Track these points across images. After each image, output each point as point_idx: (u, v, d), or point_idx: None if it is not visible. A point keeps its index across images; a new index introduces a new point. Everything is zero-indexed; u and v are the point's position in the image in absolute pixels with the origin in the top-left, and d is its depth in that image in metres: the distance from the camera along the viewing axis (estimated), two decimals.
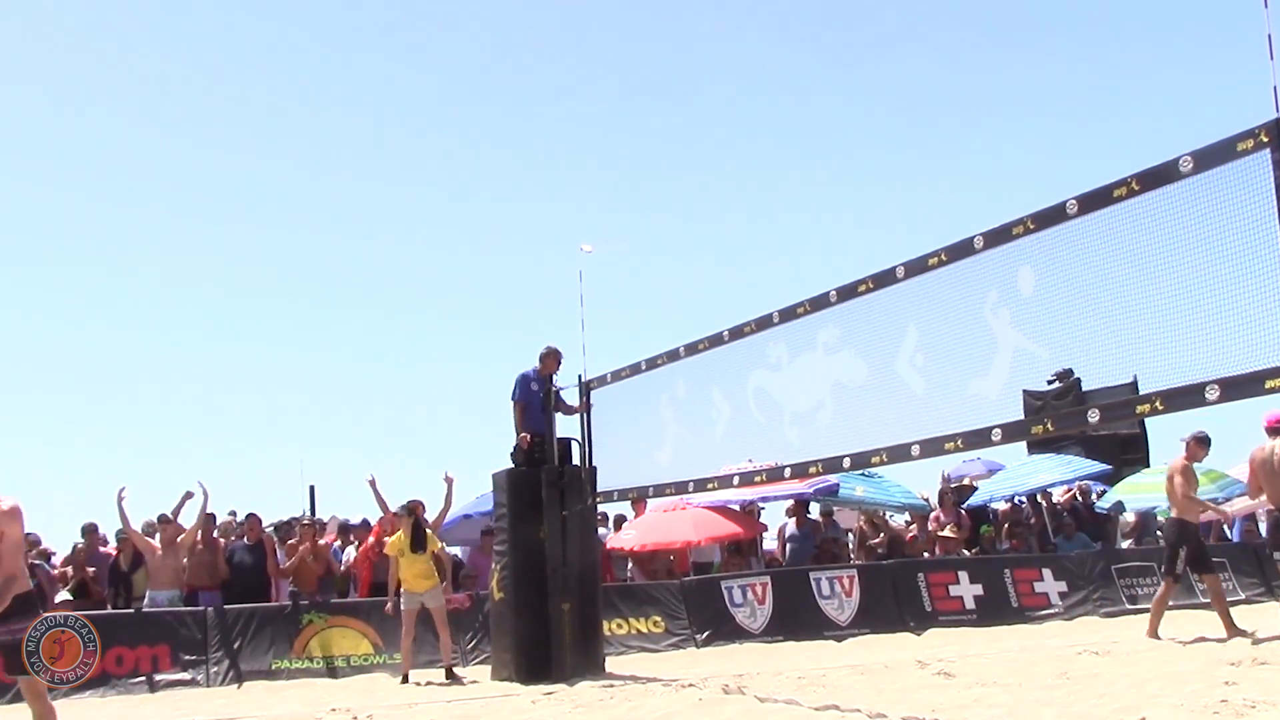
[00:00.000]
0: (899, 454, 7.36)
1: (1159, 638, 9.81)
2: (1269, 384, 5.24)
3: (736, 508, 14.08)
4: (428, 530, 10.78)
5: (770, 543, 15.50)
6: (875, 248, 40.24)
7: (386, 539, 12.08)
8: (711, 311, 41.51)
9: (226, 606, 11.55)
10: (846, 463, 8.01)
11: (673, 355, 9.67)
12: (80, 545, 12.49)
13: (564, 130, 43.40)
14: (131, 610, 11.44)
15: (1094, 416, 6.32)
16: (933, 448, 7.12)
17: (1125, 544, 16.04)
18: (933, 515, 15.05)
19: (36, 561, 11.61)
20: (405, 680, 10.37)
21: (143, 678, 10.75)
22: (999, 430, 6.70)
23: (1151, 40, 43.40)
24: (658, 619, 12.29)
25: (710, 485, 9.73)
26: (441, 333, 42.87)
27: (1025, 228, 6.50)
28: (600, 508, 12.28)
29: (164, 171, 38.86)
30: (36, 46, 36.91)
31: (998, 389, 6.82)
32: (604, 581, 11.80)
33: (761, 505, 14.74)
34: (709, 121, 43.01)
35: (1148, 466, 16.30)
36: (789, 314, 8.36)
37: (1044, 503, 15.70)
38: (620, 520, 14.50)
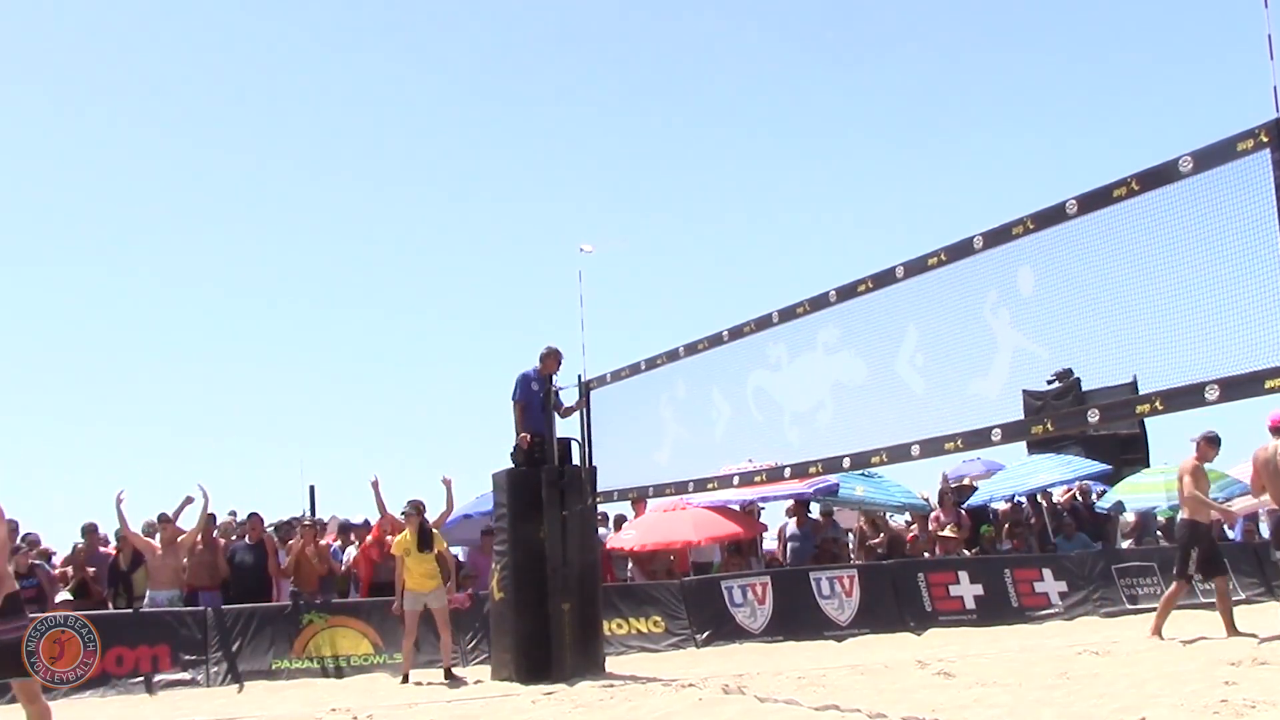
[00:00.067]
0: (899, 454, 7.36)
1: (1162, 637, 9.79)
2: (1269, 384, 5.24)
3: (736, 508, 14.08)
4: (434, 530, 10.80)
5: (770, 543, 15.51)
6: (875, 248, 40.29)
7: (388, 538, 12.11)
8: (711, 311, 41.54)
9: (226, 606, 11.56)
10: (846, 463, 8.01)
11: (673, 355, 9.67)
12: (80, 545, 12.49)
13: (564, 130, 43.44)
14: (132, 610, 11.43)
15: (1094, 416, 6.32)
16: (933, 448, 7.12)
17: (1125, 544, 16.05)
18: (933, 515, 15.05)
19: (36, 561, 11.62)
20: (405, 680, 10.37)
21: (142, 678, 10.75)
22: (999, 430, 6.70)
23: (1151, 40, 43.44)
24: (658, 619, 12.30)
25: (710, 485, 9.74)
26: (441, 333, 42.91)
27: (1025, 228, 6.50)
28: (600, 508, 12.28)
29: (164, 171, 38.90)
30: (36, 46, 36.94)
31: (998, 389, 6.82)
32: (604, 581, 11.80)
33: (761, 505, 14.74)
34: (709, 121, 43.05)
35: (1148, 466, 16.33)
36: (789, 314, 8.36)
37: (1044, 503, 15.70)
38: (620, 520, 14.50)
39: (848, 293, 7.77)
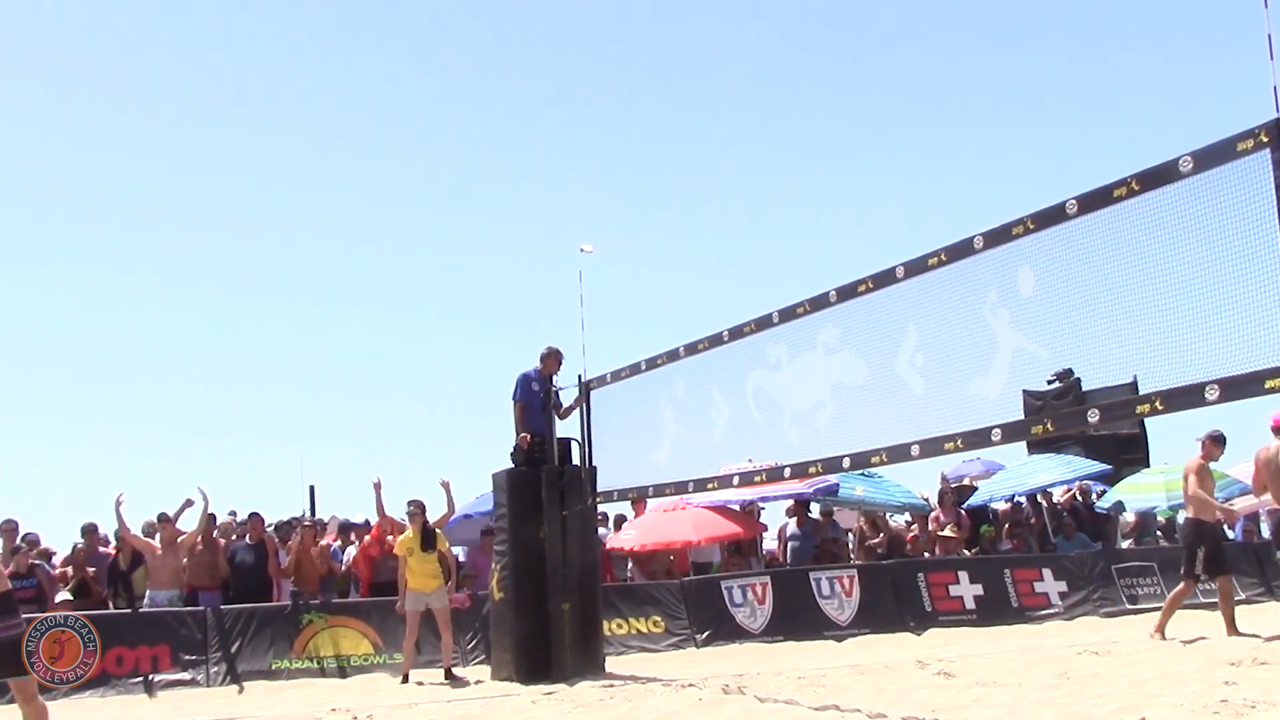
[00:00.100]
0: (899, 454, 7.36)
1: (1164, 637, 9.77)
2: (1269, 384, 5.24)
3: (736, 508, 14.08)
4: (437, 530, 10.81)
5: (770, 543, 15.50)
6: (875, 248, 40.33)
7: (388, 538, 12.11)
8: (711, 311, 41.58)
9: (226, 606, 11.56)
10: (846, 463, 8.01)
11: (673, 355, 9.67)
12: (80, 545, 12.49)
13: (564, 130, 43.46)
14: (132, 610, 11.42)
15: (1094, 416, 6.32)
16: (933, 448, 7.12)
17: (1125, 544, 16.05)
18: (933, 515, 15.05)
19: (36, 561, 11.62)
20: (405, 680, 10.37)
21: (142, 678, 10.74)
22: (999, 430, 6.70)
23: (1151, 40, 43.46)
24: (658, 619, 12.30)
25: (710, 485, 9.74)
26: (441, 333, 42.93)
27: (1025, 228, 6.50)
28: (600, 508, 12.28)
29: (164, 171, 38.90)
30: (36, 46, 36.93)
31: (998, 389, 6.82)
32: (604, 581, 11.80)
33: (761, 505, 14.74)
34: (709, 121, 43.07)
35: (1148, 466, 16.32)
36: (789, 314, 8.36)
37: (1044, 503, 15.70)
38: (620, 520, 14.50)
39: (848, 293, 7.77)
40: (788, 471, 8.80)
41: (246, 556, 12.24)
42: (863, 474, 13.48)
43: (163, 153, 38.59)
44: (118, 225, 38.31)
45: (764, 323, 8.62)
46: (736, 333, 8.92)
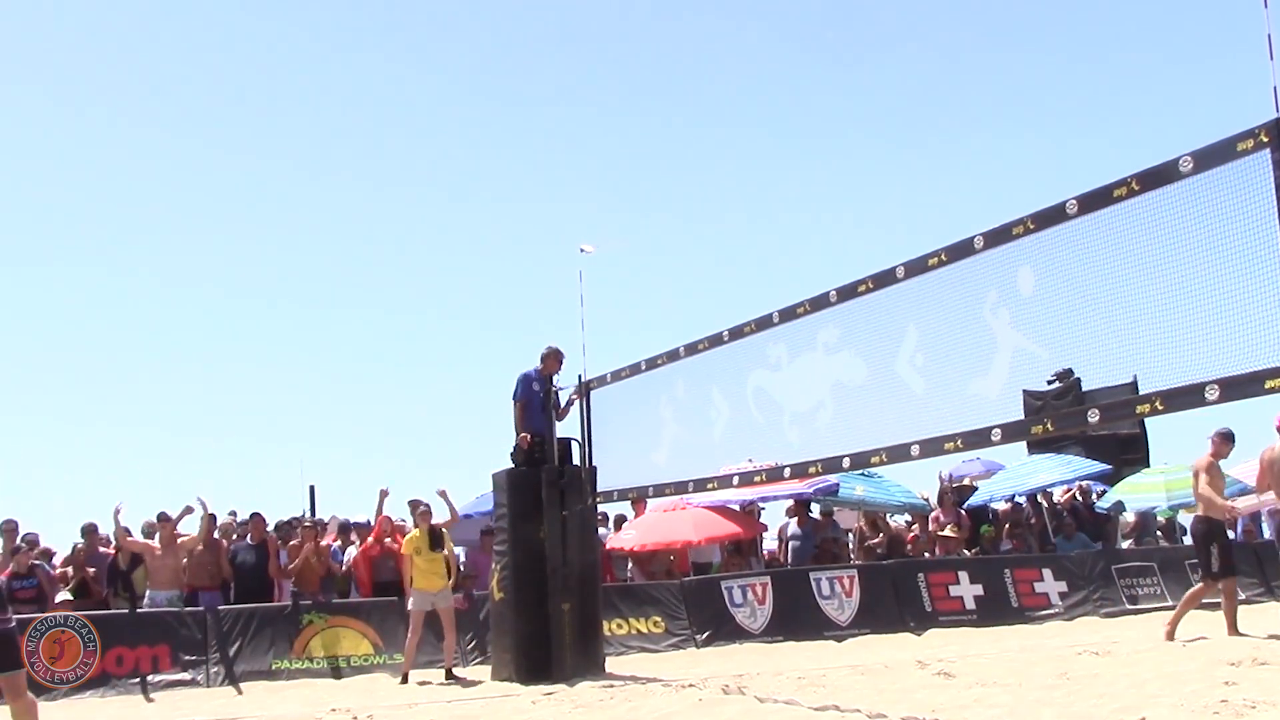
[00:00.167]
0: (899, 454, 7.36)
1: (1173, 638, 9.71)
2: (1269, 384, 5.24)
3: (736, 508, 14.08)
4: (443, 530, 10.82)
5: (770, 543, 15.50)
6: (875, 248, 40.32)
7: (387, 540, 12.12)
8: (711, 311, 41.57)
9: (226, 607, 11.56)
10: (846, 463, 8.01)
11: (673, 355, 9.67)
12: (80, 545, 12.49)
13: (564, 130, 43.45)
14: (132, 610, 11.42)
15: (1094, 416, 6.32)
16: (933, 448, 7.12)
17: (1125, 544, 16.05)
18: (933, 515, 15.05)
19: (36, 561, 11.62)
20: (405, 680, 10.37)
21: (143, 678, 10.74)
22: (999, 430, 6.70)
23: (1151, 40, 43.45)
24: (658, 619, 12.30)
25: (710, 485, 9.74)
26: (441, 333, 42.91)
27: (1025, 228, 6.50)
28: (600, 508, 12.28)
29: (164, 171, 38.89)
30: (36, 46, 36.94)
31: (998, 389, 6.82)
32: (604, 581, 11.80)
33: (761, 505, 14.74)
34: (709, 121, 43.06)
35: (1148, 466, 16.32)
36: (789, 314, 8.37)
37: (1044, 503, 15.70)
38: (620, 520, 14.50)
39: (848, 293, 7.77)
40: (788, 471, 8.80)
41: (248, 557, 12.24)
42: (863, 474, 13.48)
43: (163, 153, 38.62)
44: (118, 225, 38.33)
45: (764, 323, 8.62)
46: (736, 333, 8.92)
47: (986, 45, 43.15)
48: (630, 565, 14.16)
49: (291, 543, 12.62)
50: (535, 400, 10.79)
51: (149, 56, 39.50)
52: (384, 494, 11.98)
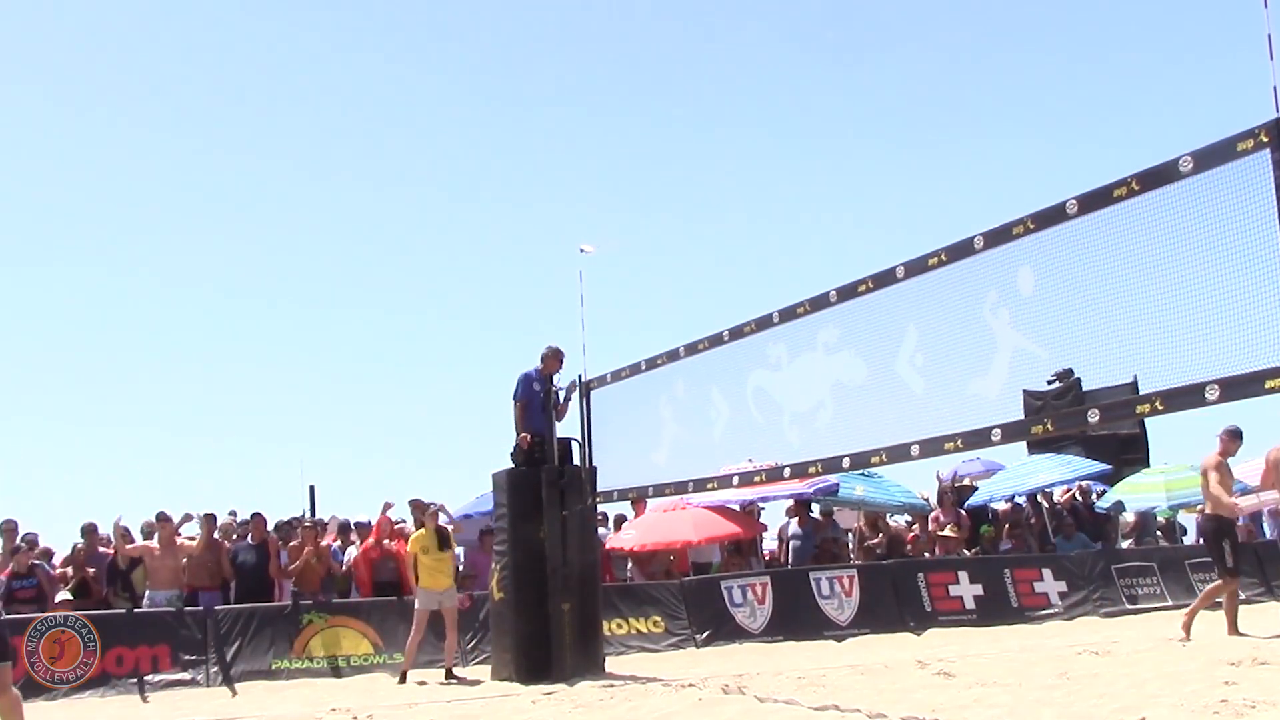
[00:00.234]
0: (899, 454, 7.37)
1: (1189, 636, 9.69)
2: (1269, 384, 5.24)
3: (736, 508, 14.07)
4: (449, 529, 10.87)
5: (770, 543, 15.50)
6: (875, 248, 40.31)
7: (387, 542, 12.14)
8: (711, 311, 41.57)
9: (226, 607, 11.56)
10: (846, 463, 8.02)
11: (673, 355, 9.67)
12: (80, 545, 12.48)
13: (564, 130, 43.45)
14: (132, 610, 11.42)
15: (1094, 416, 6.33)
16: (933, 448, 7.13)
17: (1125, 544, 16.05)
18: (933, 515, 15.05)
19: (36, 561, 11.63)
20: (403, 680, 10.36)
21: (142, 678, 10.74)
22: (999, 430, 6.70)
23: (1151, 40, 43.47)
24: (658, 619, 12.29)
25: (710, 485, 9.74)
26: (441, 333, 42.91)
27: (1025, 228, 6.50)
28: (600, 508, 12.28)
29: (164, 171, 38.89)
30: (36, 46, 36.94)
31: (998, 389, 6.83)
32: (604, 581, 11.80)
33: (761, 505, 14.74)
34: (709, 121, 43.07)
35: (1148, 466, 16.33)
36: (789, 314, 8.37)
37: (1044, 503, 15.70)
38: (620, 520, 14.49)
39: (848, 293, 7.77)
40: (788, 471, 8.80)
41: (248, 557, 12.24)
42: (863, 474, 13.47)
43: (163, 153, 38.62)
44: (118, 225, 38.32)
45: (764, 323, 8.62)
46: (736, 333, 8.92)
47: (986, 46, 43.17)
48: (630, 565, 14.16)
49: (292, 543, 12.62)
50: (535, 400, 10.78)
51: (149, 56, 39.55)
52: (388, 506, 12.06)
